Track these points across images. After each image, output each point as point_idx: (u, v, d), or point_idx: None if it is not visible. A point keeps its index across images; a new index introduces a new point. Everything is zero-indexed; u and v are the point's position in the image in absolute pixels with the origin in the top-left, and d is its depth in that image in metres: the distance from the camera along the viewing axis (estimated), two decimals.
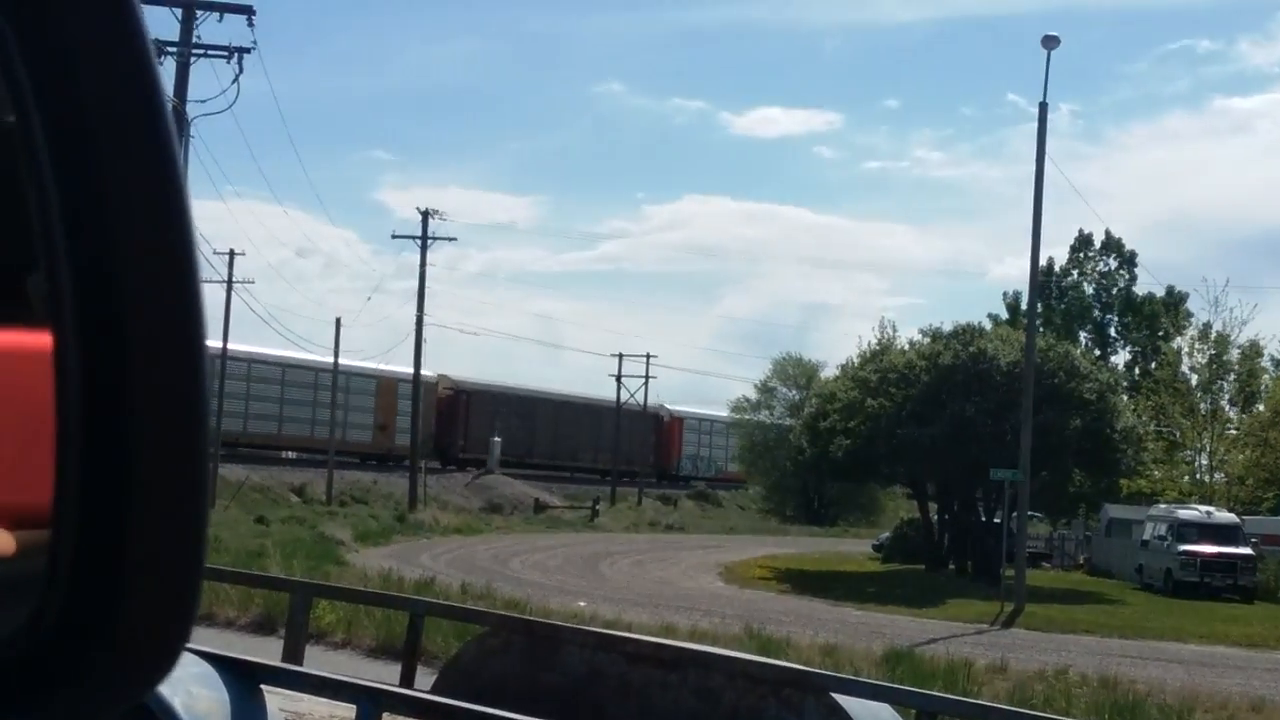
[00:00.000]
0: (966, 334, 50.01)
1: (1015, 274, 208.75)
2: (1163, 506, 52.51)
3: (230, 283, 66.86)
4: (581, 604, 30.33)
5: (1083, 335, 76.85)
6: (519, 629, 10.24)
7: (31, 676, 1.35)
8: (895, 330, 58.53)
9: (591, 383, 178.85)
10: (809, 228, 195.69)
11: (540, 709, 6.56)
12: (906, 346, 52.62)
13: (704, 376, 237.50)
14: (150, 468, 1.33)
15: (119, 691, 1.39)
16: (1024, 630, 33.75)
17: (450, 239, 67.89)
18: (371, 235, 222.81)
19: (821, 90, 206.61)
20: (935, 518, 54.39)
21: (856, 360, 53.49)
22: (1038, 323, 73.98)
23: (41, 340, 1.35)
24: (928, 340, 50.63)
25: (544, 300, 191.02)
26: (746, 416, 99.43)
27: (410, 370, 75.42)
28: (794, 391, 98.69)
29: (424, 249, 69.67)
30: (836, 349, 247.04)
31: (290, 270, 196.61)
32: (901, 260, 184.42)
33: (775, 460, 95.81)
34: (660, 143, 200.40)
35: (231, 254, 67.41)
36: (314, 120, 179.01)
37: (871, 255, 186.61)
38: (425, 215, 70.22)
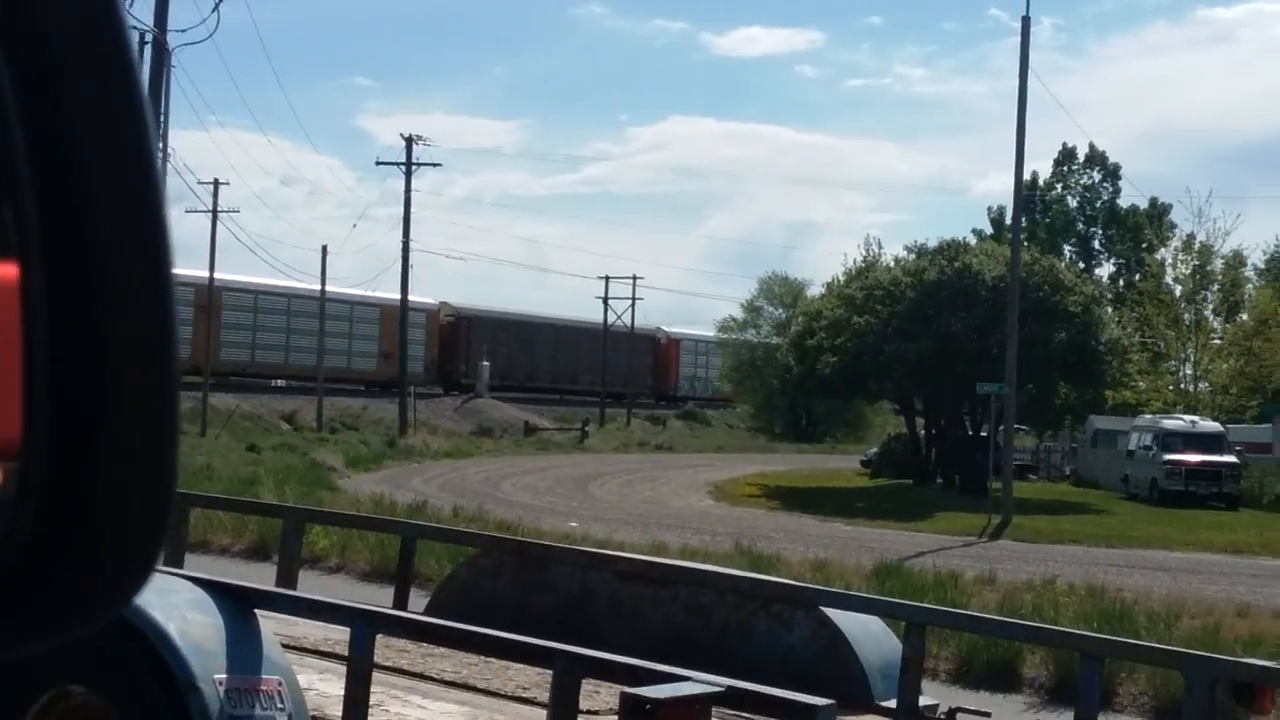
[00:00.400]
0: (951, 249, 50.13)
1: (999, 189, 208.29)
2: (1148, 417, 52.87)
3: (215, 212, 66.72)
4: (573, 525, 30.57)
5: (1067, 249, 76.97)
6: (510, 550, 10.32)
7: (6, 592, 1.38)
8: (881, 247, 58.64)
9: (579, 305, 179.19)
10: (792, 147, 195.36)
11: (532, 628, 6.65)
12: (892, 264, 52.68)
13: (691, 297, 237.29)
14: (120, 391, 1.34)
15: (92, 607, 1.43)
16: (1011, 542, 34.05)
17: (435, 164, 67.81)
18: (355, 162, 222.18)
19: (803, 8, 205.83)
20: (922, 432, 54.70)
21: (842, 278, 53.57)
22: (1022, 237, 74.22)
23: (7, 271, 1.34)
24: (913, 257, 50.71)
25: (530, 224, 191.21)
26: (734, 336, 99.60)
27: (414, 298, 76.07)
28: (780, 310, 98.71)
29: (409, 175, 69.56)
30: (822, 267, 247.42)
31: (275, 199, 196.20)
32: (886, 177, 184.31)
33: (763, 379, 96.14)
34: (643, 64, 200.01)
35: (216, 183, 67.31)
36: (294, 48, 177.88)
37: (856, 173, 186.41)
38: (409, 141, 70.04)
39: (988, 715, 8.14)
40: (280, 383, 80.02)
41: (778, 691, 5.63)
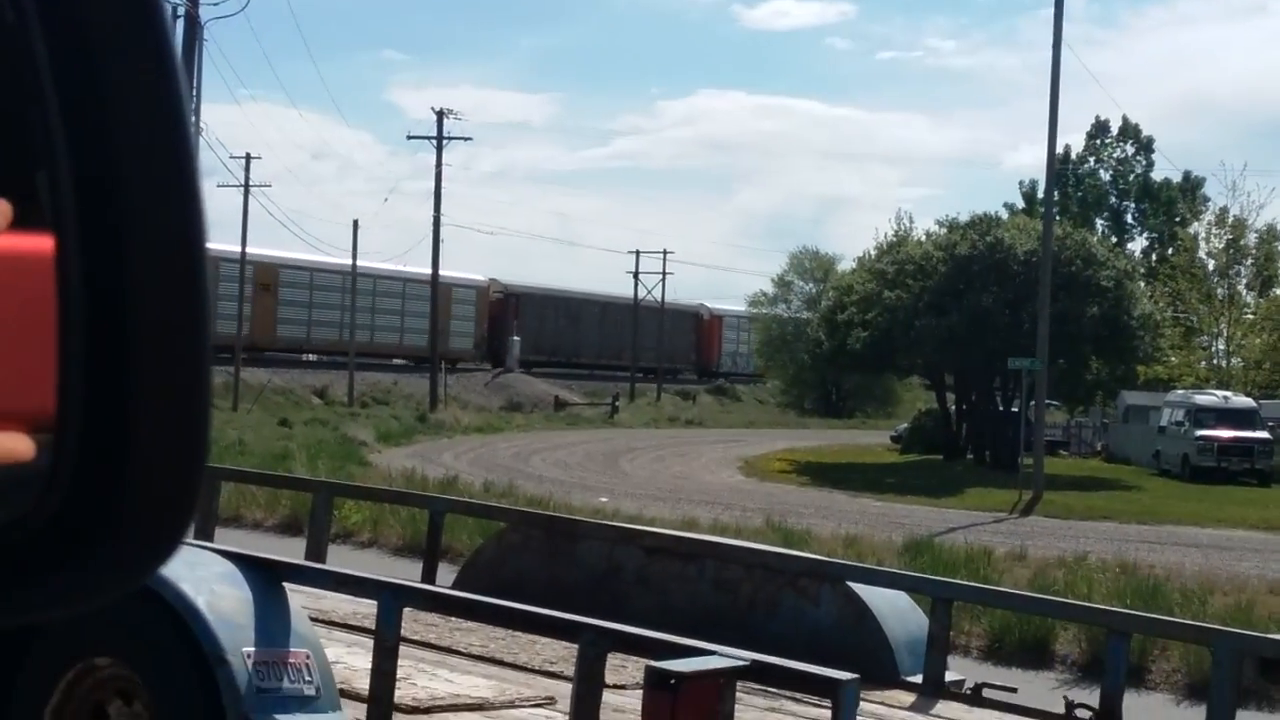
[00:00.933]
0: (983, 224, 49.84)
1: (1030, 162, 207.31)
2: (1180, 392, 52.60)
3: (247, 186, 66.89)
4: (603, 500, 30.61)
5: (1099, 223, 76.48)
6: (538, 524, 10.34)
7: (35, 557, 1.39)
8: (912, 222, 58.34)
9: (609, 280, 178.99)
10: (823, 120, 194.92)
11: (560, 603, 6.64)
12: (923, 238, 52.44)
13: (722, 271, 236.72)
14: (153, 363, 1.35)
15: (118, 576, 1.44)
16: (1042, 518, 33.96)
17: (466, 139, 68.29)
18: (386, 136, 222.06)
19: None
20: (953, 408, 54.55)
21: (873, 252, 53.41)
22: (1054, 211, 73.85)
23: (44, 243, 1.35)
24: (944, 231, 50.41)
25: (560, 198, 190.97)
26: (764, 311, 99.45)
27: (463, 274, 76.63)
28: (811, 285, 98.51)
29: (439, 149, 69.52)
30: (853, 241, 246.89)
31: (306, 173, 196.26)
32: (916, 151, 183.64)
33: (793, 354, 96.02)
34: (673, 37, 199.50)
35: (248, 158, 67.44)
36: (323, 21, 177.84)
37: (886, 146, 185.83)
38: (440, 115, 69.98)
39: (1014, 690, 8.09)
40: (311, 357, 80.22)
41: (801, 665, 5.63)
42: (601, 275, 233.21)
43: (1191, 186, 75.54)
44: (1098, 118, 76.21)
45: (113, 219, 1.34)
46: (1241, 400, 50.12)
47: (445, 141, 69.78)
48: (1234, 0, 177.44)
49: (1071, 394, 56.37)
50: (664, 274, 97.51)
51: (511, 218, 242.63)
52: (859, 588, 8.34)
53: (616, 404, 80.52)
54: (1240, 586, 20.33)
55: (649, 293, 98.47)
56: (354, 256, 74.64)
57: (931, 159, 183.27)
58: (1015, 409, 46.40)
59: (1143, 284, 54.70)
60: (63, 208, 1.35)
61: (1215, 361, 62.07)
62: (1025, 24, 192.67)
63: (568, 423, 70.59)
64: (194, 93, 40.34)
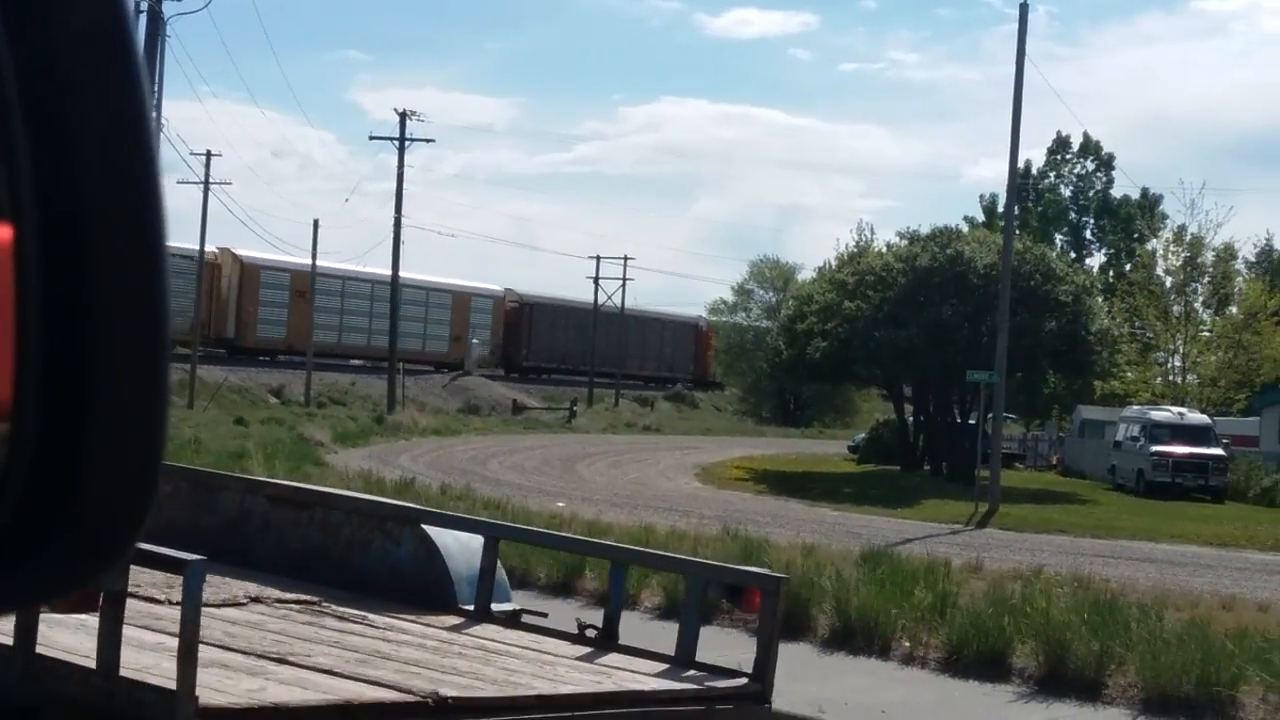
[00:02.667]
0: (944, 236, 50.03)
1: (991, 176, 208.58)
2: (1136, 408, 52.86)
3: (207, 183, 66.57)
4: (560, 505, 30.49)
5: (1058, 238, 76.85)
6: (185, 476, 11.22)
7: None
8: (873, 233, 58.69)
9: (568, 285, 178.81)
10: (784, 130, 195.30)
11: (199, 545, 7.25)
12: (884, 249, 52.62)
13: (680, 278, 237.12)
14: (110, 361, 1.35)
15: (76, 570, 1.45)
16: (998, 530, 34.08)
17: (428, 140, 68.07)
18: (347, 136, 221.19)
19: None
20: (910, 419, 54.73)
21: (834, 263, 53.54)
22: (1015, 225, 74.17)
23: (1, 233, 1.34)
24: (905, 243, 50.53)
25: (520, 202, 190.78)
26: (724, 319, 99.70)
27: (481, 284, 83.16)
28: (771, 294, 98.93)
29: (401, 151, 69.43)
30: (812, 251, 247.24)
31: (266, 171, 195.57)
32: (877, 163, 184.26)
33: (752, 362, 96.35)
34: (636, 44, 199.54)
35: (209, 154, 67.16)
36: (285, 20, 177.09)
37: (847, 158, 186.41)
38: (403, 116, 69.86)
39: (545, 615, 9.43)
40: (356, 362, 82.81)
41: (153, 547, 6.32)
42: (560, 280, 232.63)
43: (1150, 204, 76.00)
44: (1059, 133, 76.70)
45: (72, 212, 1.33)
46: (1197, 417, 50.41)
47: (407, 143, 69.59)
48: (1193, 21, 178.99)
49: (1028, 407, 56.70)
50: (624, 280, 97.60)
51: (472, 220, 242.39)
52: (431, 529, 9.58)
53: (574, 409, 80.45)
54: (1194, 602, 20.45)
55: (609, 298, 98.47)
56: (314, 257, 74.35)
57: (891, 171, 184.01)
58: (973, 421, 46.56)
59: (1101, 300, 54.99)
60: (21, 200, 1.33)
61: (1171, 378, 62.46)
62: (987, 39, 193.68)
63: (525, 427, 70.48)
64: (155, 88, 40.14)
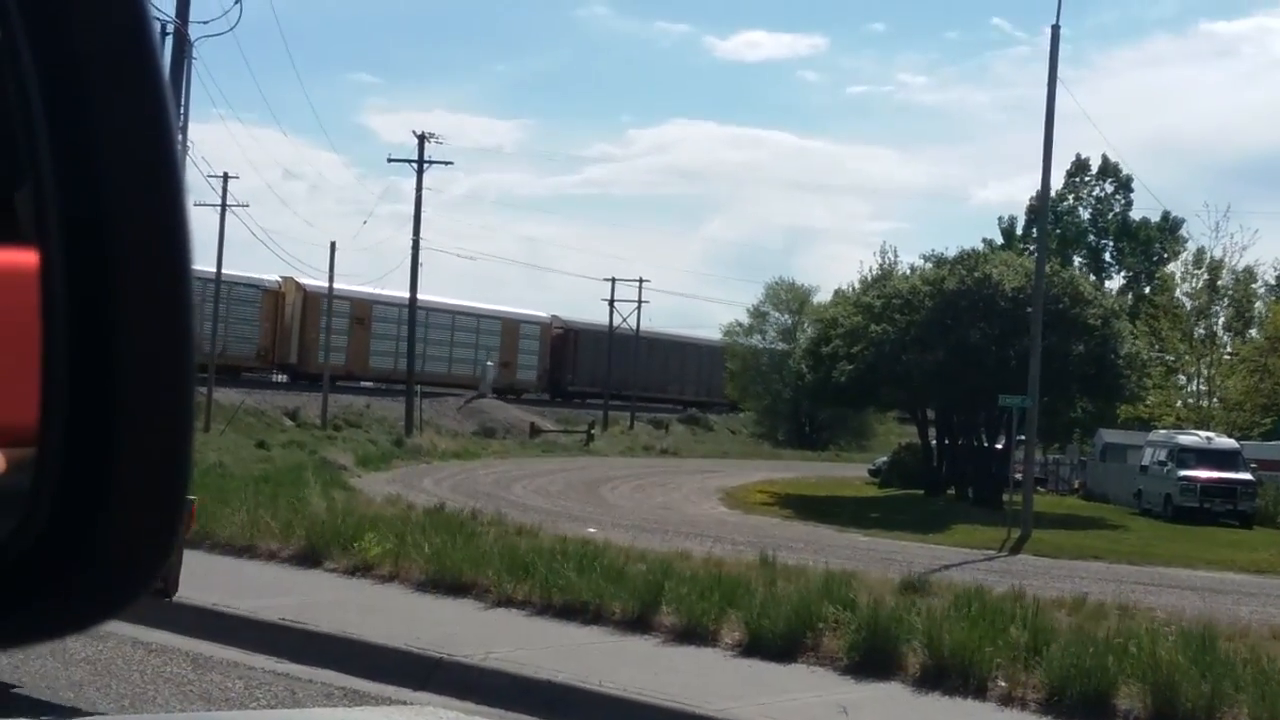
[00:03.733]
0: (971, 259, 49.46)
1: (998, 198, 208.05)
2: (1163, 432, 52.52)
3: (224, 206, 66.48)
4: (591, 530, 30.19)
5: (1077, 260, 76.39)
6: None
7: (12, 584, 1.36)
8: (896, 255, 58.24)
9: (580, 306, 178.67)
10: (793, 152, 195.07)
11: None
12: (908, 272, 52.24)
13: (690, 300, 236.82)
14: (135, 388, 1.32)
15: (95, 606, 1.42)
16: (1032, 556, 33.69)
17: (446, 163, 67.92)
18: (358, 158, 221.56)
19: (807, 13, 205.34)
20: (933, 443, 54.36)
21: (856, 285, 53.21)
22: (1046, 248, 73.77)
23: (29, 258, 1.33)
24: (931, 266, 49.83)
25: (531, 224, 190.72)
26: (739, 341, 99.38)
27: (528, 310, 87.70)
28: (787, 316, 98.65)
29: (420, 173, 69.20)
30: (823, 273, 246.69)
31: (278, 193, 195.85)
32: (885, 185, 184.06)
33: (768, 385, 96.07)
34: (645, 66, 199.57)
35: (225, 177, 67.04)
36: (297, 43, 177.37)
37: (855, 179, 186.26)
38: (421, 139, 69.66)
39: None
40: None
41: None
42: (570, 301, 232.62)
43: (1170, 226, 75.63)
44: (1078, 156, 76.19)
45: (99, 236, 1.32)
46: (1225, 441, 50.06)
47: (425, 165, 69.35)
48: (1201, 43, 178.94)
49: (1050, 431, 56.29)
50: (639, 301, 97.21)
51: (482, 242, 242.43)
52: None
53: (592, 432, 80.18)
54: (1242, 631, 20.11)
55: (624, 320, 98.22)
56: (330, 279, 74.14)
57: (900, 193, 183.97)
58: (999, 445, 46.23)
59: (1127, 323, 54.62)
60: (49, 225, 1.33)
61: (1193, 401, 62.10)
62: (996, 61, 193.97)
63: (543, 450, 70.06)
64: (182, 111, 39.99)
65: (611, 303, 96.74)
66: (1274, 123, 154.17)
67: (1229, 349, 63.60)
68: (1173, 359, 62.02)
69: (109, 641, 13.00)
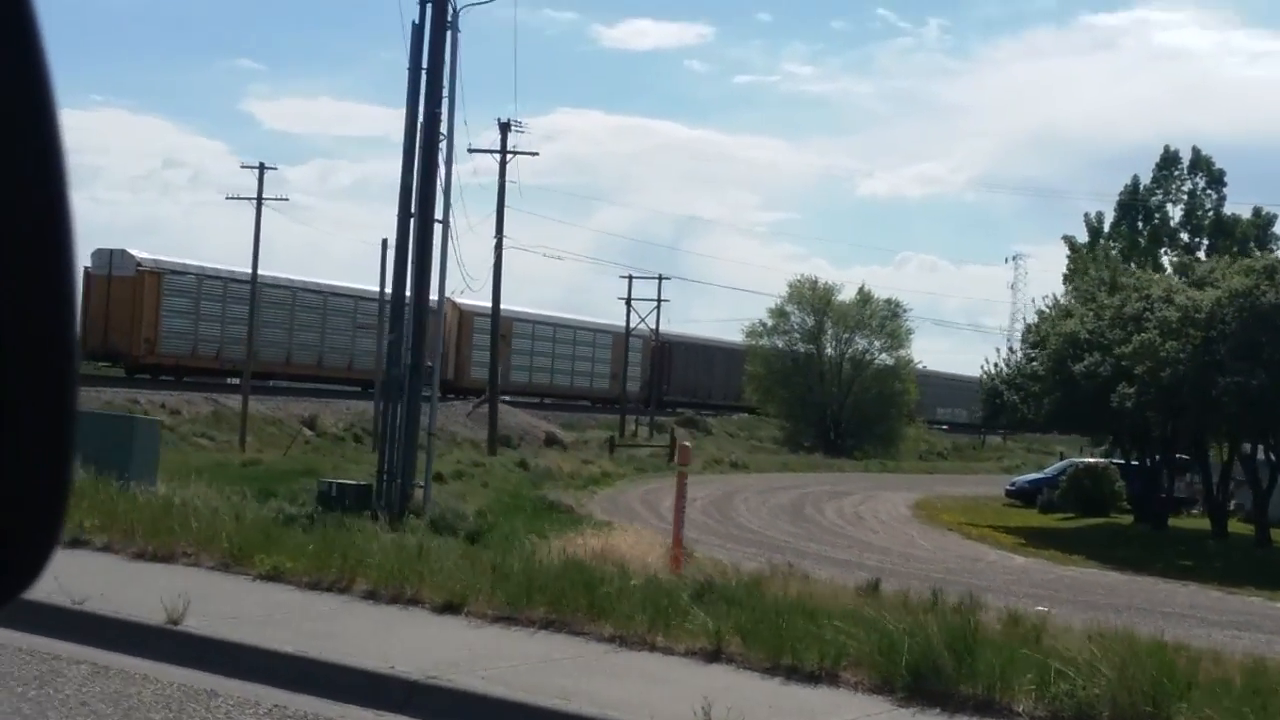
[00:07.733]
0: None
1: (884, 189, 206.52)
2: None
3: (260, 200, 60.24)
4: (1041, 609, 24.27)
5: (1166, 258, 71.77)
6: None
7: None
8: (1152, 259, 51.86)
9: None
10: (682, 142, 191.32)
11: None
12: (1173, 278, 46.42)
13: (579, 292, 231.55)
14: (17, 377, 1.25)
15: None
16: None
17: (533, 154, 64.95)
18: (240, 147, 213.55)
19: (694, 2, 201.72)
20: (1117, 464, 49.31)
21: (1060, 294, 47.74)
22: (1123, 246, 69.05)
23: None
24: (1240, 275, 42.39)
25: None
26: (761, 342, 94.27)
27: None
28: (810, 317, 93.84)
29: (503, 164, 62.08)
30: (711, 264, 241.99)
31: (158, 182, 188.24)
32: (773, 175, 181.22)
33: (792, 388, 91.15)
34: (532, 55, 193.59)
35: (261, 167, 61.09)
36: (173, 27, 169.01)
37: (744, 170, 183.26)
38: (504, 127, 61.37)
39: None
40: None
41: None
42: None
43: (1263, 222, 71.59)
44: (1167, 148, 71.82)
45: None
46: None
47: (509, 156, 62.49)
48: (1082, 36, 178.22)
49: None
50: (659, 300, 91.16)
51: (372, 231, 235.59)
52: None
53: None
54: None
55: (643, 320, 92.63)
56: (381, 282, 67.80)
57: (788, 183, 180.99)
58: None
59: None
60: None
61: None
62: (880, 52, 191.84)
63: (636, 467, 63.23)
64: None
65: (629, 302, 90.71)
66: (1153, 114, 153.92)
67: None
68: None
69: None
